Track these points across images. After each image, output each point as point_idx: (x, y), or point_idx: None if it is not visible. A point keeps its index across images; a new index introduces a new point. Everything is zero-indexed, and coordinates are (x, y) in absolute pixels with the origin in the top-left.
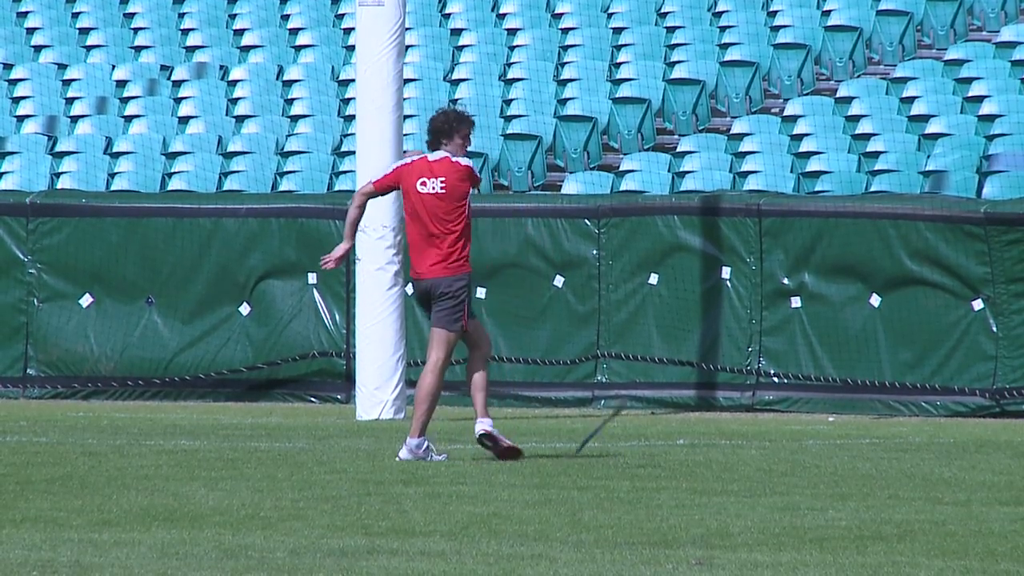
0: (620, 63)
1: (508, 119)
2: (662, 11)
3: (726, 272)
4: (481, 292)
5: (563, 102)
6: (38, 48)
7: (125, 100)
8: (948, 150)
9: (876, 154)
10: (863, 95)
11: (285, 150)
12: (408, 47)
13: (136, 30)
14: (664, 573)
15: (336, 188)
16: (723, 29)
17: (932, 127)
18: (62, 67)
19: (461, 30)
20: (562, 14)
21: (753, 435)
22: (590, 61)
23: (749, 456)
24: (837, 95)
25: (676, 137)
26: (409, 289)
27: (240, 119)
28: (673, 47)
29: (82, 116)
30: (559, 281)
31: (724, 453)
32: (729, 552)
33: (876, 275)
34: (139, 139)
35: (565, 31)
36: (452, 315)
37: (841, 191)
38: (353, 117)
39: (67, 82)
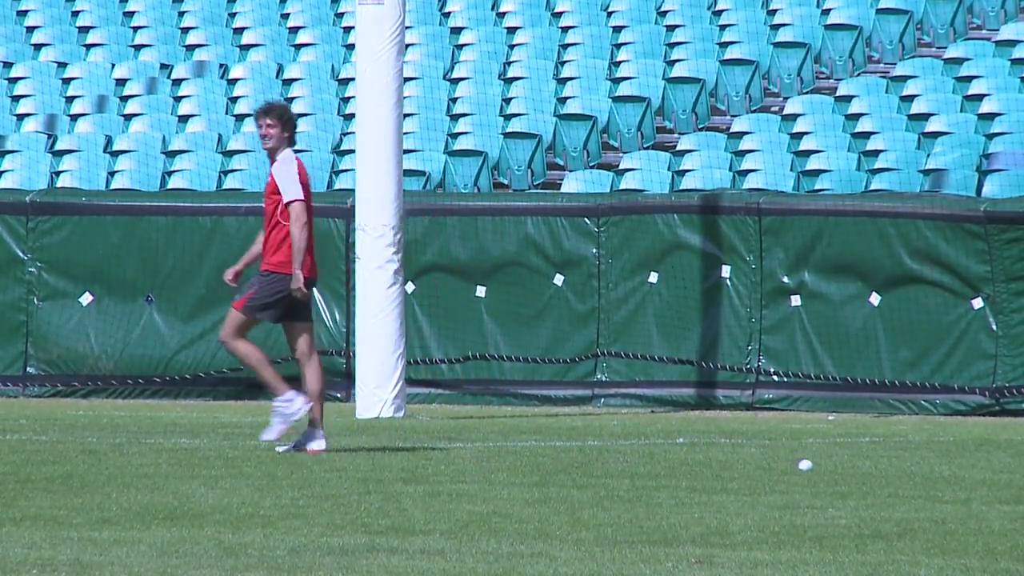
0: (620, 62)
1: (508, 118)
2: (662, 9)
3: (726, 271)
4: (481, 291)
5: (563, 101)
6: (38, 46)
7: (125, 98)
8: (948, 148)
9: (876, 152)
10: (863, 93)
11: None
12: (408, 45)
13: (136, 28)
14: (664, 571)
15: (336, 186)
16: (723, 27)
17: (932, 125)
18: (62, 65)
19: (461, 29)
20: (562, 12)
21: (753, 433)
22: (590, 60)
23: (749, 454)
24: (837, 93)
25: (676, 135)
26: (409, 287)
27: (240, 117)
28: (673, 45)
29: (82, 114)
30: (559, 280)
31: (724, 451)
32: (729, 550)
33: (876, 274)
34: (139, 137)
35: (565, 30)
36: None
37: (841, 190)
38: (353, 115)
39: (67, 80)
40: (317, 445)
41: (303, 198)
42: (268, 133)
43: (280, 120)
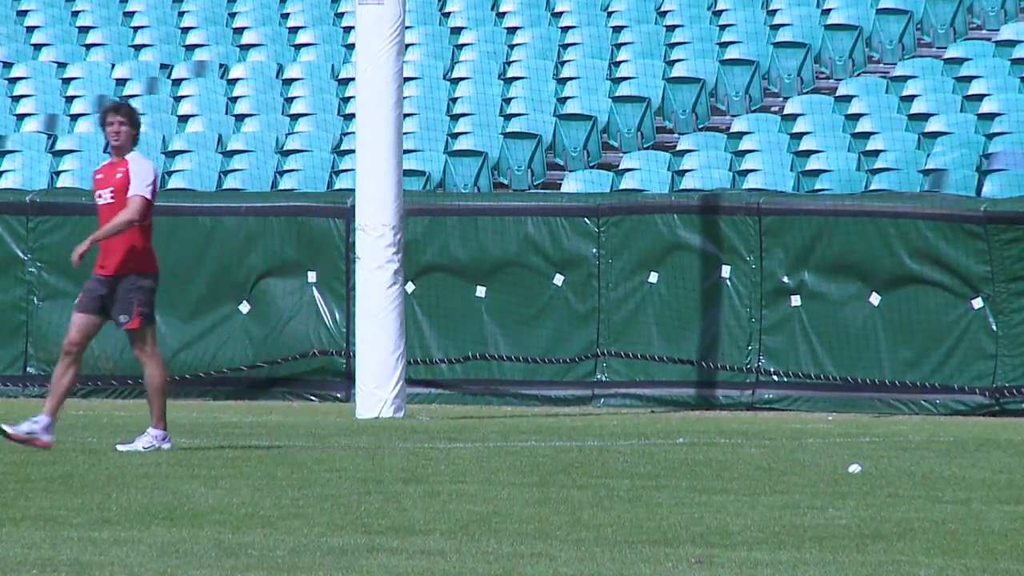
0: (620, 62)
1: (508, 118)
2: (662, 9)
3: (726, 271)
4: (481, 291)
5: (563, 101)
6: (38, 46)
7: (125, 99)
8: (948, 148)
9: (876, 152)
10: (863, 93)
11: (285, 148)
12: (408, 45)
13: (136, 28)
14: (664, 571)
15: (336, 186)
16: (723, 27)
17: (932, 125)
18: (62, 65)
19: (461, 29)
20: (562, 12)
21: (753, 433)
22: (590, 60)
23: (749, 454)
24: (837, 94)
25: (676, 135)
26: (409, 287)
27: (240, 117)
28: (673, 45)
29: (82, 114)
30: (559, 280)
31: (724, 451)
32: (729, 550)
33: (876, 274)
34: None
35: (565, 30)
36: None
37: (841, 190)
38: (353, 115)
39: (67, 80)
40: (48, 438)
41: (150, 198)
42: (120, 131)
43: (129, 119)
